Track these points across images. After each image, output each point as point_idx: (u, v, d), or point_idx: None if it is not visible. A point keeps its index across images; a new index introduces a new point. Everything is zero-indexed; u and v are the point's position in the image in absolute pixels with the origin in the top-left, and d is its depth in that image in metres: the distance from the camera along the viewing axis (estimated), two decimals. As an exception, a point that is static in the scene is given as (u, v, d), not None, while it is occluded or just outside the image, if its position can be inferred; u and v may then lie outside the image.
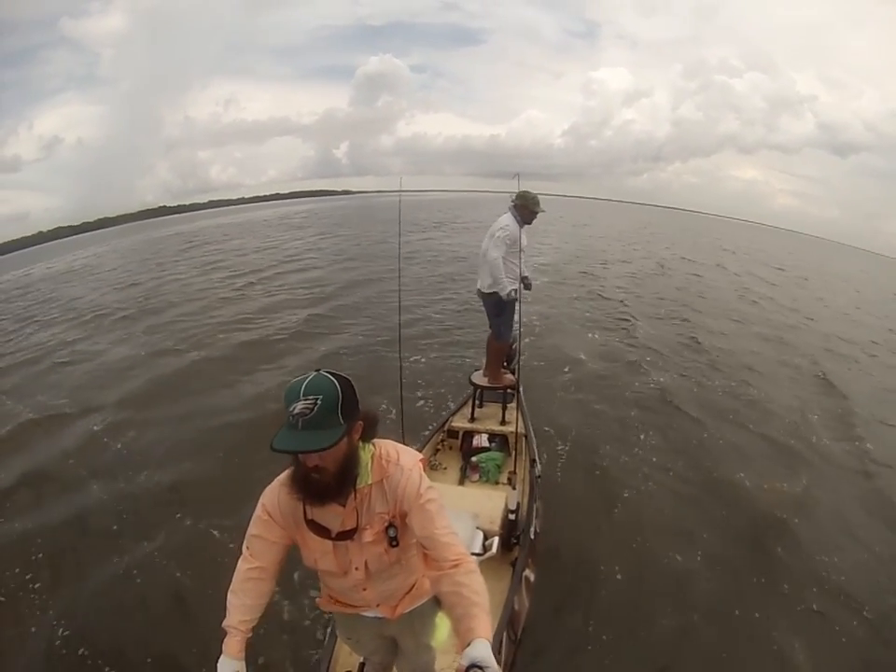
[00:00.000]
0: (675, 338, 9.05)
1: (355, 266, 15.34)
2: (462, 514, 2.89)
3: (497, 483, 3.74)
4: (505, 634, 2.33)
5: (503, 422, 4.25)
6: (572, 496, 4.18)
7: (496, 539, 2.81)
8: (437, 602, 1.69)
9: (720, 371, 7.43)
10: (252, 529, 1.47)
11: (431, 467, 3.97)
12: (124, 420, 5.85)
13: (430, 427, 4.42)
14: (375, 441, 1.46)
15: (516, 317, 4.54)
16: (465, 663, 1.20)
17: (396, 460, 1.44)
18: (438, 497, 1.46)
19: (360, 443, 1.39)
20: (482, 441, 4.12)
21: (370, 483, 1.42)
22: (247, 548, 1.48)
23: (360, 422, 1.34)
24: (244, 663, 1.41)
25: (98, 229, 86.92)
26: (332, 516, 1.42)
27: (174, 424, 5.68)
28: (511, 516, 3.03)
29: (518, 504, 3.11)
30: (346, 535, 1.44)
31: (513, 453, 3.99)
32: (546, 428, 5.14)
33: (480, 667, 1.18)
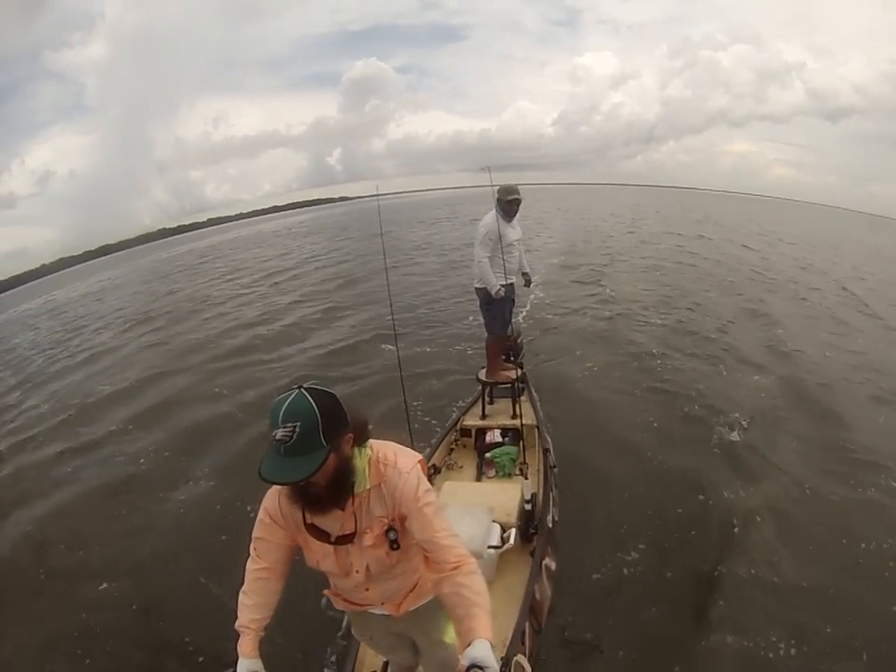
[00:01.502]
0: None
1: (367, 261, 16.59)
2: (477, 510, 2.93)
3: (514, 473, 3.77)
4: (528, 623, 2.36)
5: (515, 415, 4.27)
6: (590, 480, 4.19)
7: (513, 531, 2.85)
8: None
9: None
10: (256, 532, 1.50)
11: (447, 466, 4.02)
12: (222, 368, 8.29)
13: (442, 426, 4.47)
14: (373, 443, 1.46)
15: (522, 312, 4.60)
16: (465, 663, 1.21)
17: (393, 463, 1.44)
18: (436, 500, 1.47)
19: (355, 450, 1.39)
20: (494, 436, 4.15)
21: (368, 487, 1.42)
22: (254, 549, 1.51)
23: (349, 433, 1.34)
24: (260, 661, 1.45)
25: (101, 256, 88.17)
26: (332, 520, 1.43)
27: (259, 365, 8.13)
28: (527, 506, 3.06)
29: (533, 494, 3.14)
30: (345, 539, 1.45)
31: (526, 444, 4.02)
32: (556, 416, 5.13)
33: (480, 667, 1.20)
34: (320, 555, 1.49)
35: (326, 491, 1.32)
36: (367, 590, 1.57)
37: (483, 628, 1.27)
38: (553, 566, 3.01)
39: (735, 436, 4.90)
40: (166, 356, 9.75)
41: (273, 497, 1.47)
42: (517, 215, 4.43)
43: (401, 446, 1.53)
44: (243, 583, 1.52)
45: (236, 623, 1.47)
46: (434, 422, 5.19)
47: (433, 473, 3.78)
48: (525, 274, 4.68)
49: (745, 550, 3.43)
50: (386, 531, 1.46)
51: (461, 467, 4.05)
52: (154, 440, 5.96)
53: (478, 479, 3.88)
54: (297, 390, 1.25)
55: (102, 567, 3.84)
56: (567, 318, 9.05)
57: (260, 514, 1.49)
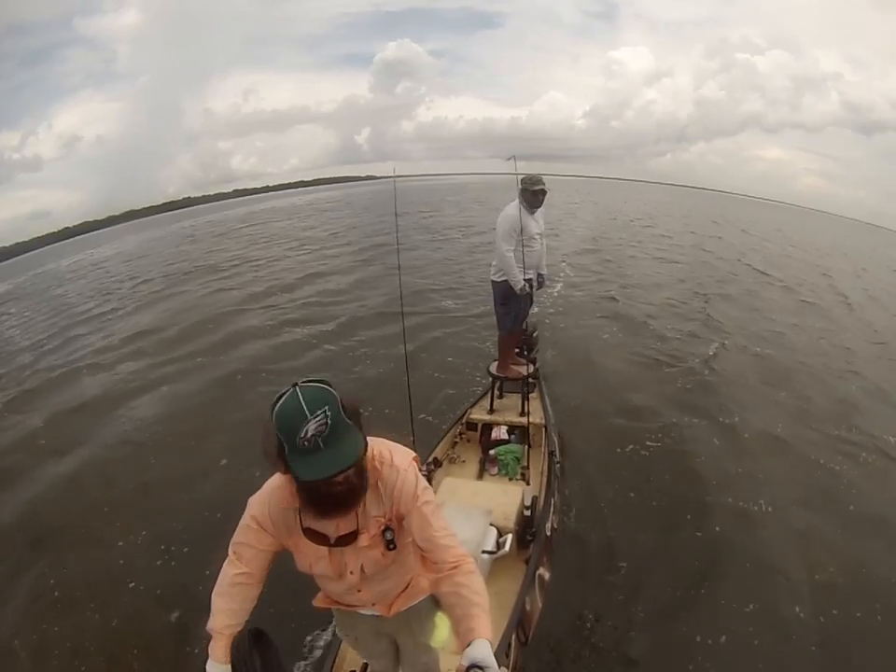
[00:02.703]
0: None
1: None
2: (475, 511, 2.88)
3: (516, 476, 3.69)
4: (514, 635, 2.30)
5: (523, 413, 4.17)
6: (595, 489, 4.09)
7: (509, 537, 2.78)
8: (435, 601, 1.68)
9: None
10: (239, 537, 1.44)
11: (450, 460, 3.95)
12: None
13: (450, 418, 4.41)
14: (367, 439, 1.38)
15: (534, 308, 4.47)
16: (465, 663, 1.19)
17: (390, 461, 1.39)
18: (434, 498, 1.45)
19: None
20: (500, 433, 4.07)
21: None
22: (234, 553, 1.45)
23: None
24: (230, 667, 1.40)
25: (125, 221, 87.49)
26: (328, 522, 1.37)
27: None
28: (527, 512, 2.98)
29: (534, 499, 3.05)
30: (346, 539, 1.40)
31: (531, 445, 3.94)
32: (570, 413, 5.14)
33: (480, 667, 1.18)
34: (313, 559, 1.45)
35: (358, 483, 1.25)
36: (359, 591, 1.54)
37: (483, 628, 1.25)
38: (547, 576, 2.94)
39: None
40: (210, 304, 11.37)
41: (263, 503, 1.41)
42: (541, 206, 4.24)
43: (394, 443, 1.47)
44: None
45: (208, 625, 1.42)
46: (435, 417, 5.17)
47: (434, 467, 3.72)
48: (539, 275, 4.49)
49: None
50: (383, 531, 1.42)
51: (464, 462, 3.98)
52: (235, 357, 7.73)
53: (480, 476, 3.81)
54: (294, 387, 1.16)
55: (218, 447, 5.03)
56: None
57: (246, 521, 1.42)
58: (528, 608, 2.54)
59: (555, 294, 10.28)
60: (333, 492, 1.21)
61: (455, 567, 1.36)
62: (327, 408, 1.13)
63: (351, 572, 1.46)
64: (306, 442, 1.11)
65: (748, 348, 7.57)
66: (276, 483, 1.38)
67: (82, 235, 70.17)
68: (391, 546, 1.43)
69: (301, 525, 1.39)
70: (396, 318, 3.39)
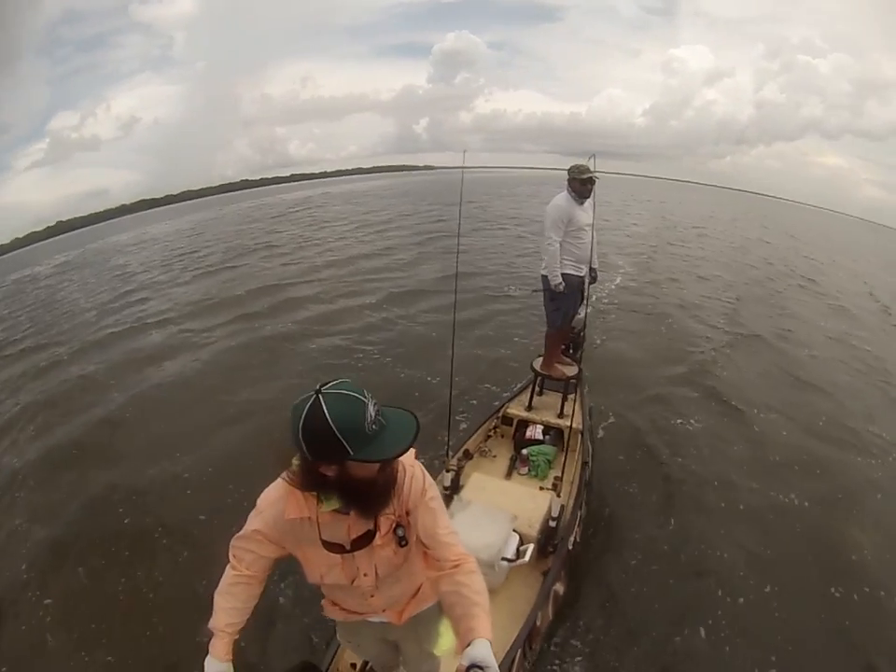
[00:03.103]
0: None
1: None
2: (500, 515, 2.77)
3: (544, 478, 3.52)
4: (520, 650, 2.19)
5: (561, 414, 3.99)
6: (626, 506, 3.85)
7: (531, 547, 2.65)
8: (441, 608, 1.63)
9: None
10: (241, 542, 1.42)
11: (481, 453, 3.83)
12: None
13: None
14: None
15: (581, 309, 4.23)
16: (465, 663, 1.18)
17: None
18: (439, 494, 1.44)
19: None
20: (535, 432, 3.91)
21: None
22: (234, 556, 1.43)
23: None
24: (230, 665, 1.40)
25: (182, 201, 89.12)
26: (337, 526, 1.34)
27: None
28: (552, 523, 2.85)
29: (561, 510, 2.91)
30: (360, 542, 1.36)
31: (564, 449, 3.71)
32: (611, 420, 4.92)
33: (480, 667, 1.17)
34: (325, 568, 1.42)
35: (394, 472, 1.29)
36: (372, 596, 1.50)
37: (483, 628, 1.25)
38: (563, 590, 2.82)
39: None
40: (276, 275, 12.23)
41: (268, 519, 1.36)
42: (591, 197, 3.97)
43: None
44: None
45: (210, 623, 1.42)
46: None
47: (465, 459, 3.60)
48: (591, 270, 4.22)
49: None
50: (394, 528, 1.40)
51: (495, 456, 3.85)
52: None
53: (509, 474, 3.67)
54: (317, 392, 1.12)
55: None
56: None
57: (248, 531, 1.39)
58: (539, 623, 2.44)
59: (613, 287, 10.24)
60: (389, 475, 1.25)
61: (456, 566, 1.36)
62: (363, 390, 1.15)
63: (365, 574, 1.43)
64: (374, 425, 1.12)
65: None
66: (279, 493, 1.34)
67: (139, 213, 72.87)
68: (403, 542, 1.40)
69: (321, 537, 1.35)
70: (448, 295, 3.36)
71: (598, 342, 7.12)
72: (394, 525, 1.39)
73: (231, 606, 1.42)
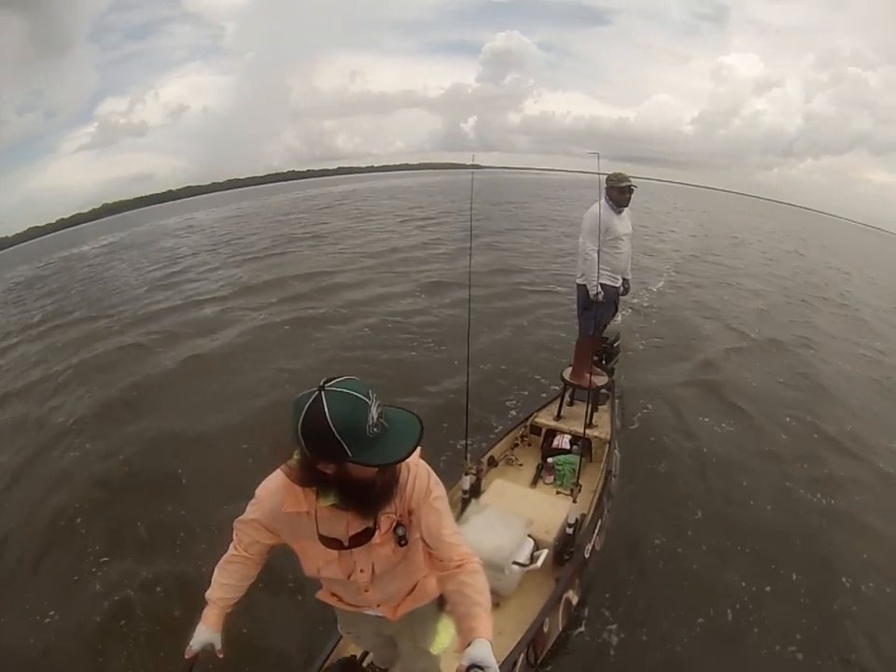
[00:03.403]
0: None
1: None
2: (515, 519, 2.78)
3: (569, 488, 3.46)
4: (523, 655, 2.19)
5: (590, 425, 3.95)
6: (655, 519, 3.76)
7: (545, 552, 2.65)
8: (439, 607, 1.67)
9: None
10: (241, 525, 1.46)
11: (506, 461, 3.85)
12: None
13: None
14: None
15: (618, 317, 4.20)
16: (465, 663, 1.18)
17: None
18: (445, 495, 1.42)
19: None
20: (563, 442, 3.90)
21: None
22: (235, 536, 1.49)
23: None
24: (219, 635, 1.45)
25: (228, 189, 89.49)
26: (335, 522, 1.34)
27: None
28: (569, 530, 2.84)
29: (579, 518, 2.89)
30: (358, 539, 1.36)
31: (591, 459, 3.75)
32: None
33: (480, 667, 1.17)
34: (322, 563, 1.42)
35: (396, 473, 1.28)
36: (366, 591, 1.51)
37: (484, 628, 1.25)
38: (575, 600, 2.80)
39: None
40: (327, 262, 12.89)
41: (266, 506, 1.38)
42: (628, 206, 3.95)
43: None
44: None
45: (206, 593, 1.48)
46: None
47: (488, 466, 3.63)
48: (625, 280, 4.18)
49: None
50: (395, 527, 1.39)
51: (521, 465, 3.86)
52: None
53: (534, 483, 3.68)
54: (321, 389, 1.10)
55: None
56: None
57: (247, 518, 1.43)
58: (545, 629, 2.43)
59: (655, 290, 10.41)
60: (389, 477, 1.25)
61: (459, 566, 1.35)
62: (369, 390, 1.11)
63: (361, 570, 1.43)
64: (376, 428, 1.10)
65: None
66: (277, 485, 1.34)
67: (184, 199, 73.19)
68: (402, 542, 1.40)
69: (318, 532, 1.35)
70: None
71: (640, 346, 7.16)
72: (394, 525, 1.38)
73: (225, 581, 1.48)
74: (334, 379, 1.12)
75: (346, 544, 1.36)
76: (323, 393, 1.07)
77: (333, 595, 1.62)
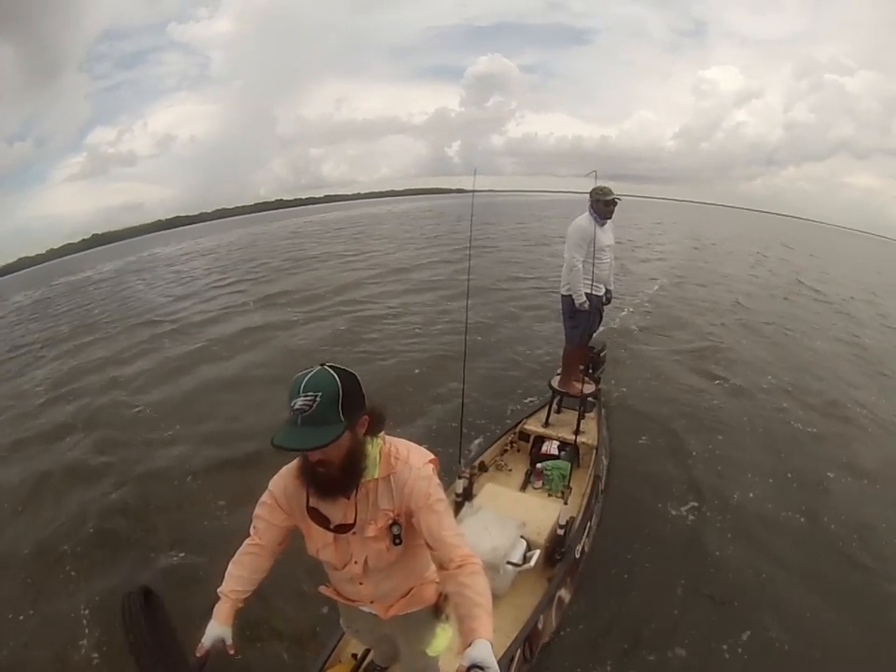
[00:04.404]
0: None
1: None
2: (508, 521, 2.84)
3: (557, 492, 3.59)
4: (520, 651, 2.25)
5: (577, 431, 4.05)
6: (636, 517, 3.85)
7: (537, 552, 2.72)
8: (435, 613, 1.68)
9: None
10: (257, 510, 1.53)
11: (496, 466, 3.92)
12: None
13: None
14: (385, 437, 1.44)
15: (601, 326, 4.33)
16: (465, 663, 1.19)
17: (405, 458, 1.42)
18: (445, 497, 1.45)
19: (367, 438, 1.37)
20: (551, 447, 3.99)
21: (376, 477, 1.40)
22: (253, 526, 1.54)
23: (366, 416, 1.33)
24: (230, 630, 1.47)
25: (217, 219, 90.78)
26: (334, 507, 1.42)
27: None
28: (560, 531, 2.91)
29: (571, 519, 2.97)
30: (344, 528, 1.43)
31: (580, 464, 3.82)
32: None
33: (480, 668, 1.18)
34: (320, 544, 1.49)
35: (338, 472, 1.31)
36: (360, 584, 1.55)
37: (485, 629, 1.25)
38: (568, 598, 2.86)
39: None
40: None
41: (280, 481, 1.49)
42: (611, 219, 4.10)
43: (416, 445, 1.50)
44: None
45: (219, 588, 1.51)
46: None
47: (479, 471, 3.69)
48: (607, 291, 4.34)
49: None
50: (390, 525, 1.44)
51: (510, 470, 3.93)
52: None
53: (524, 487, 3.74)
54: (319, 367, 1.26)
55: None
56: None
57: (264, 496, 1.51)
58: (540, 626, 2.49)
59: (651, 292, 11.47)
60: (315, 472, 1.32)
61: (460, 567, 1.36)
62: (320, 394, 1.21)
63: (355, 562, 1.48)
64: (292, 413, 1.22)
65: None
66: (297, 463, 1.43)
67: (176, 228, 74.18)
68: (397, 541, 1.45)
69: (308, 504, 1.44)
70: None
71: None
72: (391, 523, 1.43)
73: (238, 573, 1.51)
74: (335, 365, 1.28)
75: (331, 527, 1.44)
76: (317, 367, 1.27)
77: (333, 588, 1.67)
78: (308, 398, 1.20)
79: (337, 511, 1.42)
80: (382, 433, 1.42)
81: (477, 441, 4.54)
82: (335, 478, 1.32)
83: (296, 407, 1.21)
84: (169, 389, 6.92)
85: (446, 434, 4.25)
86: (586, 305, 4.09)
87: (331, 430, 1.22)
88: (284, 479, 1.48)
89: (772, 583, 3.26)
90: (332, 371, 1.25)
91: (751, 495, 4.18)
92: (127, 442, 5.47)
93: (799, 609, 3.07)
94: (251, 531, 1.54)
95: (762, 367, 7.11)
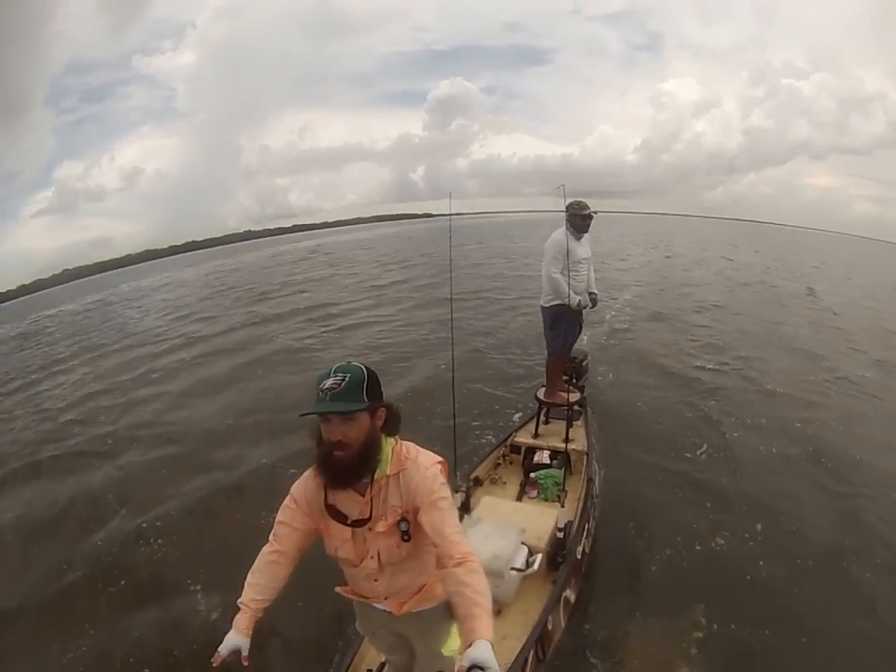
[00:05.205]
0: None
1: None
2: (508, 529, 2.89)
3: (553, 499, 3.65)
4: (532, 652, 2.29)
5: (567, 439, 4.12)
6: (634, 516, 3.98)
7: (539, 557, 2.78)
8: (449, 612, 1.68)
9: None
10: (279, 516, 1.59)
11: (491, 480, 3.98)
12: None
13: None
14: (399, 439, 1.55)
15: (585, 335, 4.47)
16: (466, 664, 1.20)
17: (415, 458, 1.51)
18: (450, 497, 1.51)
19: (382, 434, 1.49)
20: (543, 457, 4.07)
21: (387, 474, 1.49)
22: (273, 534, 1.59)
23: (384, 409, 1.48)
24: (248, 641, 1.49)
25: (187, 251, 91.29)
26: (351, 504, 1.52)
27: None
28: (559, 534, 2.98)
29: (568, 523, 3.05)
30: (361, 523, 1.52)
31: (572, 471, 3.90)
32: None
33: (481, 668, 1.19)
34: (339, 542, 1.56)
35: (355, 456, 1.41)
36: (376, 581, 1.61)
37: (485, 629, 1.27)
38: (573, 598, 2.91)
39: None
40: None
41: (301, 484, 1.58)
42: (587, 232, 4.29)
43: (425, 449, 1.59)
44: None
45: (239, 599, 1.54)
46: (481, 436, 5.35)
47: (475, 485, 3.75)
48: (591, 294, 4.51)
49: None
50: (399, 521, 1.51)
51: (505, 483, 3.99)
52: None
53: (519, 498, 3.81)
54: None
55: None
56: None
57: (286, 500, 1.60)
58: (550, 627, 2.53)
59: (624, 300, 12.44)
60: (332, 457, 1.42)
61: (459, 564, 1.39)
62: (349, 376, 1.40)
63: (371, 557, 1.56)
64: (321, 392, 1.38)
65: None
66: (315, 457, 1.51)
67: (146, 262, 74.41)
68: (405, 537, 1.53)
69: (326, 501, 1.53)
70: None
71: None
72: (399, 519, 1.51)
73: (256, 582, 1.55)
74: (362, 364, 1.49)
75: (349, 522, 1.53)
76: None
77: (349, 587, 1.72)
78: (338, 377, 1.39)
79: (353, 508, 1.52)
80: (396, 435, 1.54)
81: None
82: (350, 464, 1.42)
83: (325, 386, 1.38)
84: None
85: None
86: (583, 302, 4.29)
87: (357, 405, 1.39)
88: (304, 481, 1.57)
89: (766, 566, 3.42)
90: (358, 363, 1.47)
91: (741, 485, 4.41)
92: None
93: (804, 604, 3.16)
94: (270, 537, 1.59)
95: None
